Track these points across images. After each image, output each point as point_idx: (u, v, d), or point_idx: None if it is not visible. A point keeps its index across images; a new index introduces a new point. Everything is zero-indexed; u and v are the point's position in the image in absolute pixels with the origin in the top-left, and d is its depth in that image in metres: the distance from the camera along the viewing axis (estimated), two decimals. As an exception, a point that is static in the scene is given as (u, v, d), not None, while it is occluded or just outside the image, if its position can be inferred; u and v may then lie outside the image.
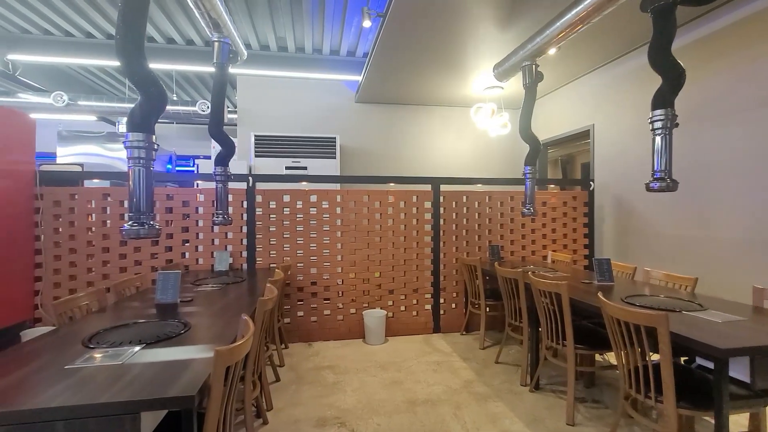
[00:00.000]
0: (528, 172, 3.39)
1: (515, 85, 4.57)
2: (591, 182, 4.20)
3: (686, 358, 2.18)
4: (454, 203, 3.96)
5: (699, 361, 2.09)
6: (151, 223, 1.67)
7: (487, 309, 3.48)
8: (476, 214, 4.01)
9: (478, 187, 4.52)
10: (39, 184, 3.21)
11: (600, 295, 1.91)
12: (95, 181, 3.85)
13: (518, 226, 4.09)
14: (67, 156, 5.81)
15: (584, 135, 4.47)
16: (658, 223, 3.46)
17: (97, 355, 1.37)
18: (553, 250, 4.11)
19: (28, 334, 2.95)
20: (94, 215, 3.31)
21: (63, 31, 4.54)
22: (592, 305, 2.11)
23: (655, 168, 2.18)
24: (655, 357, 1.69)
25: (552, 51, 3.15)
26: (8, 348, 1.46)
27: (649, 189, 2.20)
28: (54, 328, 1.77)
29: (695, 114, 3.13)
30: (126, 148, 1.66)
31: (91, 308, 2.11)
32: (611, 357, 3.09)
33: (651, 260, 3.51)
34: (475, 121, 4.84)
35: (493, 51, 3.70)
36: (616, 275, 3.02)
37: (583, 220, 4.21)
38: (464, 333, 3.87)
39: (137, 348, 1.45)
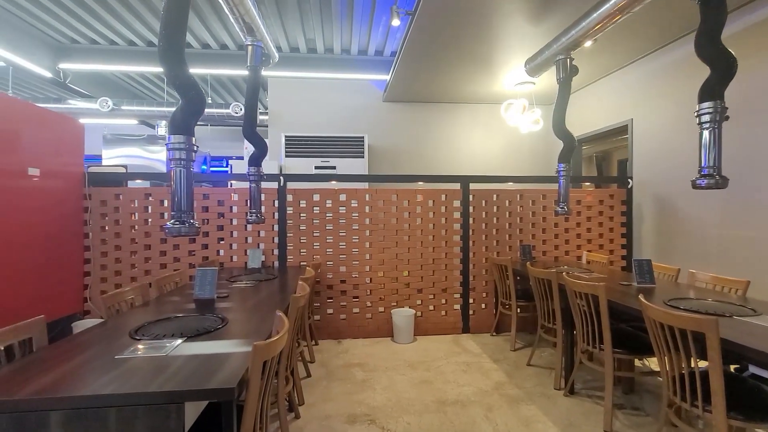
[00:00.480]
0: (562, 169, 3.29)
1: (548, 79, 4.43)
2: (629, 180, 4.02)
3: (737, 365, 2.05)
4: (483, 202, 3.89)
5: (752, 369, 1.96)
6: (192, 221, 1.74)
7: (518, 310, 3.41)
8: (507, 213, 3.93)
9: (509, 186, 4.42)
10: (87, 184, 3.41)
11: (641, 297, 1.82)
12: (137, 181, 4.06)
13: (551, 225, 3.97)
14: (112, 158, 6.15)
15: (622, 130, 4.28)
16: (704, 223, 3.27)
17: (143, 347, 1.45)
18: (588, 251, 3.97)
19: (79, 326, 3.15)
20: (136, 214, 3.49)
21: (108, 40, 4.80)
22: (632, 308, 2.02)
23: (703, 164, 2.06)
24: (702, 364, 1.60)
25: (588, 43, 3.04)
26: (63, 338, 1.57)
27: (695, 186, 2.08)
28: (102, 320, 1.87)
29: (746, 106, 2.93)
30: (168, 149, 1.73)
31: (135, 302, 2.23)
32: (652, 362, 2.95)
33: (696, 262, 3.32)
34: (505, 118, 4.74)
35: (525, 45, 3.61)
36: (657, 277, 2.88)
37: (620, 219, 4.04)
38: (494, 334, 3.80)
39: (179, 341, 1.52)
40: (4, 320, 2.48)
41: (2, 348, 1.34)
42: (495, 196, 3.91)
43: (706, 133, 2.04)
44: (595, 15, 2.71)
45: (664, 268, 2.92)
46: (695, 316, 1.55)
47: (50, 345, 1.49)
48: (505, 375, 2.87)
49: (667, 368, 1.74)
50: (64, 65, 4.90)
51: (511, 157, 5.62)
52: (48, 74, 4.78)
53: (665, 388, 1.78)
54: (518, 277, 3.54)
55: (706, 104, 2.02)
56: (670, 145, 3.61)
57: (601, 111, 4.59)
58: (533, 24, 3.22)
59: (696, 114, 2.06)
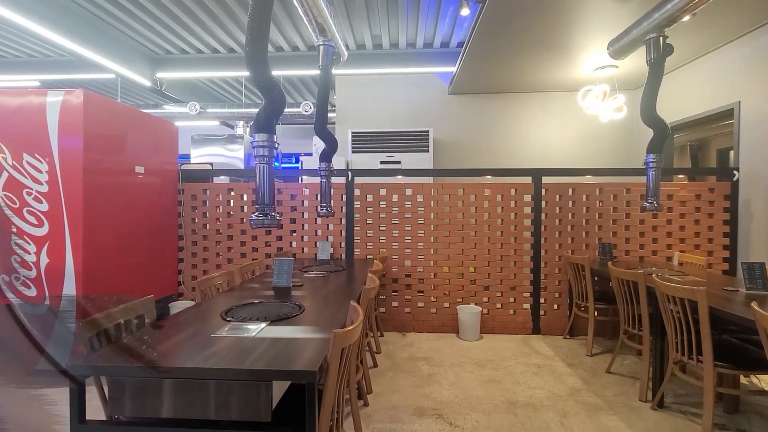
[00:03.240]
0: (651, 160, 2.97)
1: (633, 61, 4.02)
2: (734, 171, 3.52)
3: None
4: (557, 197, 3.67)
5: None
6: (273, 214, 1.86)
7: (596, 313, 3.17)
8: (584, 209, 3.66)
9: (587, 179, 4.11)
10: (180, 180, 3.81)
11: (755, 305, 1.60)
12: (221, 177, 4.44)
13: (635, 222, 3.62)
14: (199, 156, 6.79)
15: (724, 115, 3.76)
16: (835, 221, 2.76)
17: (234, 328, 1.59)
18: (681, 251, 3.56)
19: (176, 306, 3.54)
20: (220, 207, 3.82)
21: (195, 49, 5.29)
22: (740, 317, 1.78)
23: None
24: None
25: (686, 18, 2.70)
26: (165, 317, 1.77)
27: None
28: (194, 302, 2.09)
29: None
30: (253, 147, 1.87)
31: (222, 287, 2.45)
32: (764, 381, 2.58)
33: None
34: (582, 106, 4.40)
35: (608, 26, 3.31)
36: (771, 283, 2.49)
37: (722, 217, 3.56)
38: (567, 337, 3.58)
39: (263, 324, 1.64)
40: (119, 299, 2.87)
41: (122, 321, 1.56)
42: (570, 190, 3.66)
43: None
44: (696, -15, 2.40)
45: (781, 274, 2.52)
46: (829, 331, 1.32)
47: (158, 321, 1.69)
48: (581, 381, 2.70)
49: (788, 388, 1.51)
50: (160, 74, 5.49)
51: (588, 149, 5.22)
52: (148, 83, 5.40)
53: (784, 411, 1.54)
54: (596, 278, 3.29)
55: None
56: (791, 131, 3.09)
57: (698, 94, 4.07)
58: (619, 1, 2.93)
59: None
